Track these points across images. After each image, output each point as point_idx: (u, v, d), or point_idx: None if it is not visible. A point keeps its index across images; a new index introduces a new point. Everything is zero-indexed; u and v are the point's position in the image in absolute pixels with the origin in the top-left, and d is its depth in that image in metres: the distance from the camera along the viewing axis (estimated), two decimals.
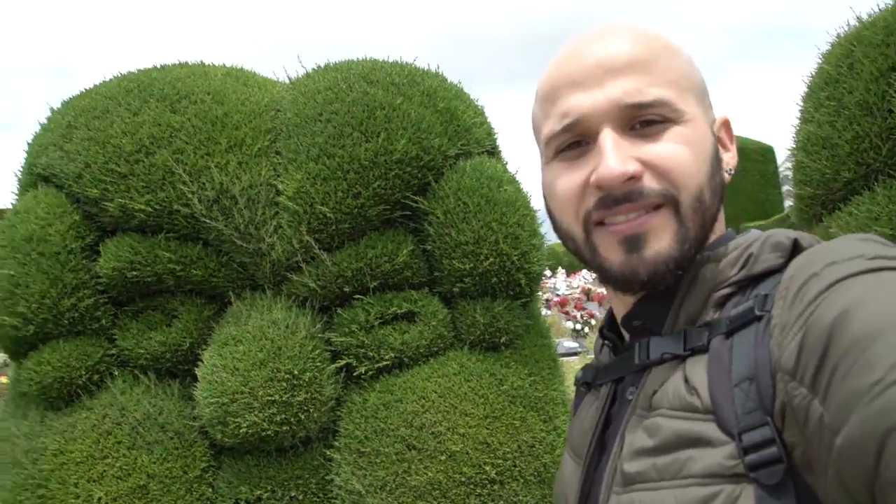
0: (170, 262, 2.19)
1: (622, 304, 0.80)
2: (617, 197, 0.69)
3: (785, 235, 0.71)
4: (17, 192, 2.53)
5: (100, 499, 2.08)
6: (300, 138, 2.25)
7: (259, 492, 2.12)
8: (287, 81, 2.62)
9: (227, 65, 2.63)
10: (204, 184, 2.17)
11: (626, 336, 0.82)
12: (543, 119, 0.77)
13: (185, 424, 2.22)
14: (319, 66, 2.55)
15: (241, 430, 2.03)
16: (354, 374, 2.25)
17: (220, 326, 2.23)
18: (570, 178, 0.73)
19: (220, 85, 2.36)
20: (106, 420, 2.18)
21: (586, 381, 0.88)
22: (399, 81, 2.34)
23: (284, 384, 2.07)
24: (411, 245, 2.30)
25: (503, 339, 2.34)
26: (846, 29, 2.31)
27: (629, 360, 0.77)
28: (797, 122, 2.66)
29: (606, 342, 0.86)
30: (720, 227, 0.78)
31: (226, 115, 2.26)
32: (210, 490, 2.19)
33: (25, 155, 2.52)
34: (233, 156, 2.21)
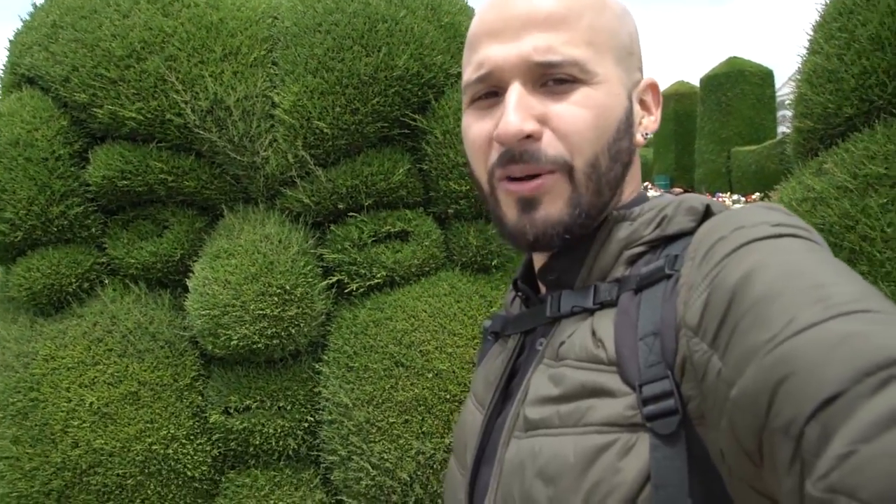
0: (161, 173, 2.16)
1: (539, 258, 0.82)
2: (514, 155, 0.70)
3: (699, 201, 0.73)
4: None
5: (91, 403, 2.11)
6: (298, 49, 2.18)
7: (248, 401, 2.16)
8: None
9: None
10: (197, 93, 2.11)
11: (542, 289, 0.84)
12: (465, 65, 0.78)
13: (176, 334, 2.24)
14: None
15: (231, 342, 2.05)
16: (346, 290, 2.26)
17: (212, 239, 2.22)
18: (480, 128, 0.74)
19: None
20: (97, 327, 2.19)
21: (494, 331, 0.90)
22: None
23: (276, 298, 2.08)
24: (408, 164, 2.27)
25: (494, 262, 2.35)
26: None
27: (541, 312, 0.79)
28: (805, 52, 2.60)
29: (519, 294, 0.88)
30: (634, 187, 0.80)
31: (221, 21, 2.18)
32: (200, 398, 2.23)
33: (7, 53, 2.43)
34: (228, 65, 2.15)
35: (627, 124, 0.75)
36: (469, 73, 0.76)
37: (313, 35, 2.19)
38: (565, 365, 0.70)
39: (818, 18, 2.56)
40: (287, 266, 2.12)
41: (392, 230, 2.27)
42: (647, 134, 0.79)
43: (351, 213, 2.26)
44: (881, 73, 2.14)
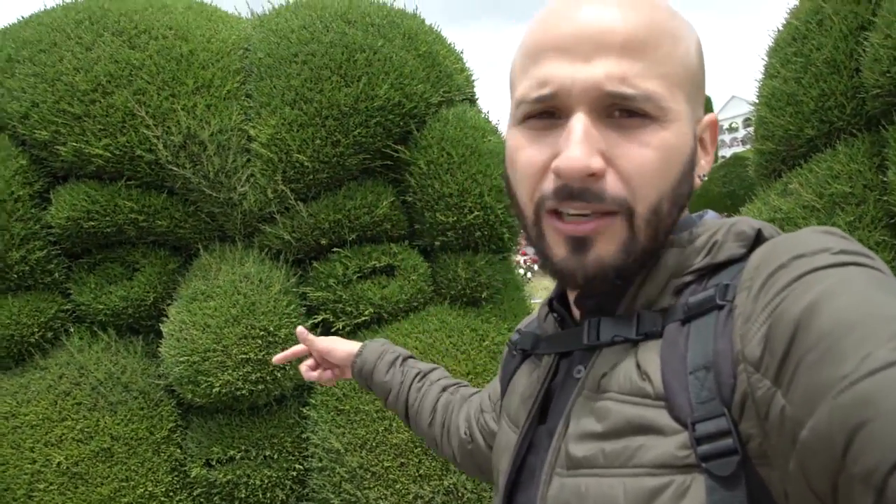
0: (131, 212, 2.04)
1: None
2: (573, 191, 0.64)
3: (749, 225, 0.68)
4: None
5: (59, 463, 1.95)
6: (274, 81, 2.10)
7: (232, 451, 2.03)
8: (251, 18, 2.44)
9: None
10: (169, 128, 2.00)
11: (577, 313, 0.78)
12: (521, 76, 0.70)
13: (150, 383, 2.10)
14: (289, 2, 2.38)
15: (213, 390, 1.93)
16: (332, 329, 2.16)
17: (187, 280, 2.10)
18: (533, 153, 0.67)
19: (182, 19, 2.17)
20: (63, 380, 2.04)
21: (524, 348, 0.86)
22: (379, 22, 2.21)
23: (259, 341, 1.97)
24: (391, 196, 2.20)
25: (484, 294, 2.29)
26: None
27: (577, 335, 0.74)
28: (760, 76, 2.66)
29: (554, 314, 0.82)
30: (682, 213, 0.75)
31: (191, 53, 2.09)
32: (179, 451, 2.08)
33: None
34: (200, 98, 2.05)
35: (691, 167, 0.70)
36: (527, 88, 0.67)
37: (289, 66, 2.11)
38: (609, 398, 0.66)
39: (772, 44, 2.62)
40: (269, 307, 2.02)
41: (377, 265, 2.18)
42: (703, 176, 0.73)
43: (334, 249, 2.17)
44: (839, 95, 2.19)
